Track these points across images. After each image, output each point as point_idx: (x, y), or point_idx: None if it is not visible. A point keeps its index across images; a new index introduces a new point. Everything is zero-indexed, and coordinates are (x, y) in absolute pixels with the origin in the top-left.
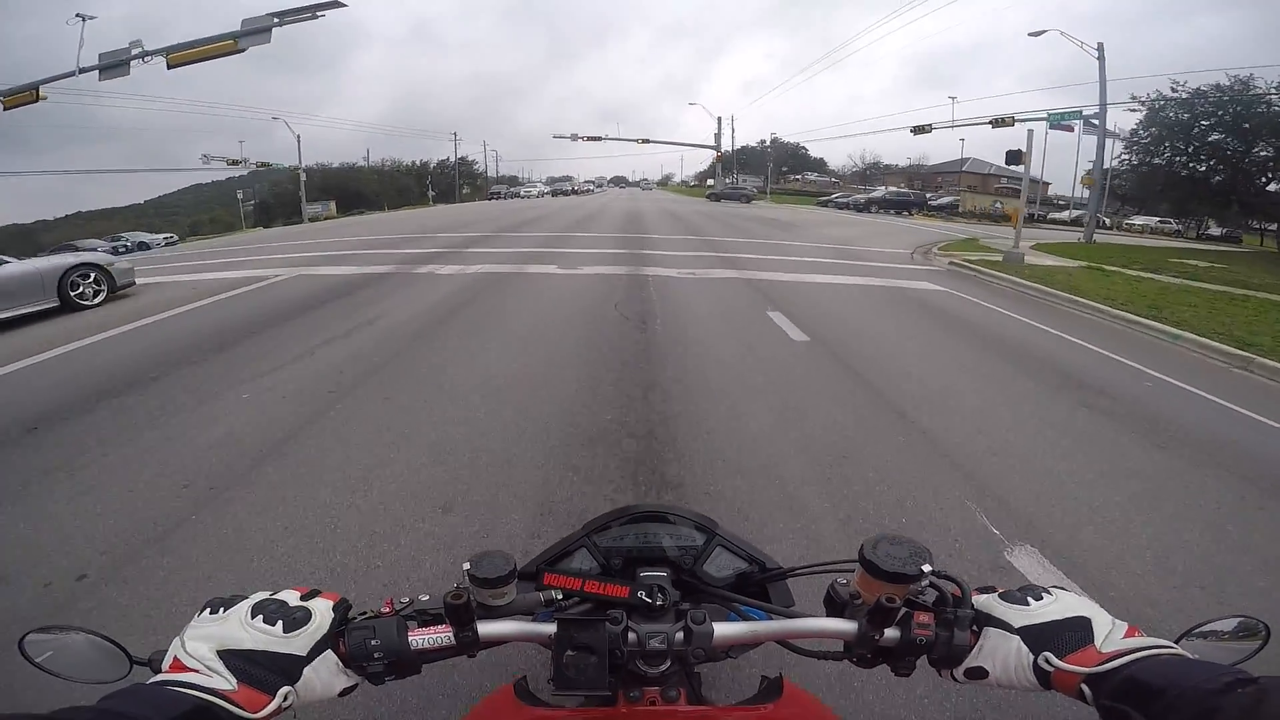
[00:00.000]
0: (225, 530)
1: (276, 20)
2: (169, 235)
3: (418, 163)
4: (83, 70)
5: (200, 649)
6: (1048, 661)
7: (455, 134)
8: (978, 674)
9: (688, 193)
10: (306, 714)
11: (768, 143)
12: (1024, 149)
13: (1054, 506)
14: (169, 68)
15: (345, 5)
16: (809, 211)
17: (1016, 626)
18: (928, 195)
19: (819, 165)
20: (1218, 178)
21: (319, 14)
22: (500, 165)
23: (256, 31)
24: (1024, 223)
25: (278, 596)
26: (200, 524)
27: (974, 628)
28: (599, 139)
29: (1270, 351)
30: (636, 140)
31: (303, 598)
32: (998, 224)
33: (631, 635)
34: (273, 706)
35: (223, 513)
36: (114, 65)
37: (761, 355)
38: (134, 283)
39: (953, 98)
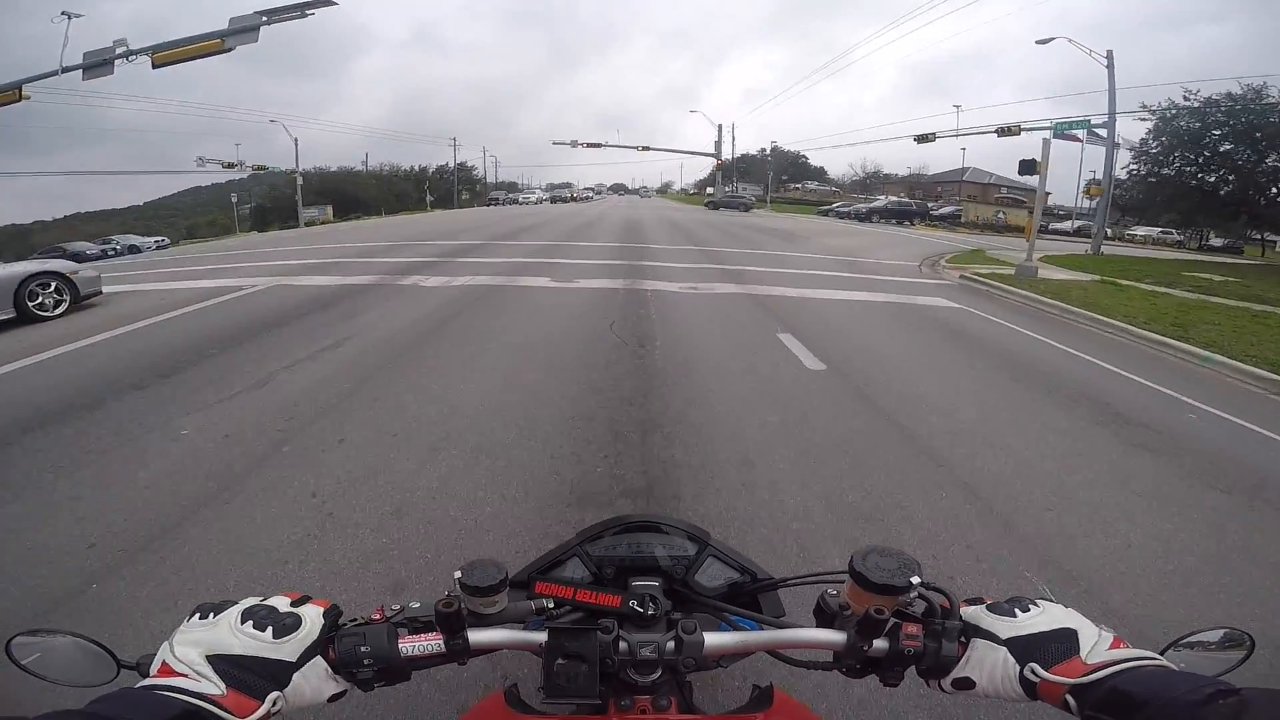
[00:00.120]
0: (121, 604)
1: (265, 19)
2: (160, 239)
3: (416, 168)
4: (66, 69)
5: (189, 654)
6: (1034, 672)
7: (454, 139)
8: (965, 684)
9: (687, 200)
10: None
11: (768, 151)
12: (1038, 158)
13: (1124, 572)
14: (154, 67)
15: (336, 4)
16: (810, 221)
17: (1003, 638)
18: (929, 205)
19: (819, 174)
20: (1227, 188)
21: (308, 13)
22: (500, 171)
23: (244, 30)
24: (1020, 233)
25: (268, 602)
26: (95, 598)
27: (962, 639)
28: (599, 145)
29: None
30: (637, 147)
31: (293, 604)
32: (1000, 234)
33: (623, 644)
34: (261, 712)
35: (125, 583)
36: (98, 64)
37: (774, 388)
38: (100, 292)
39: (957, 106)
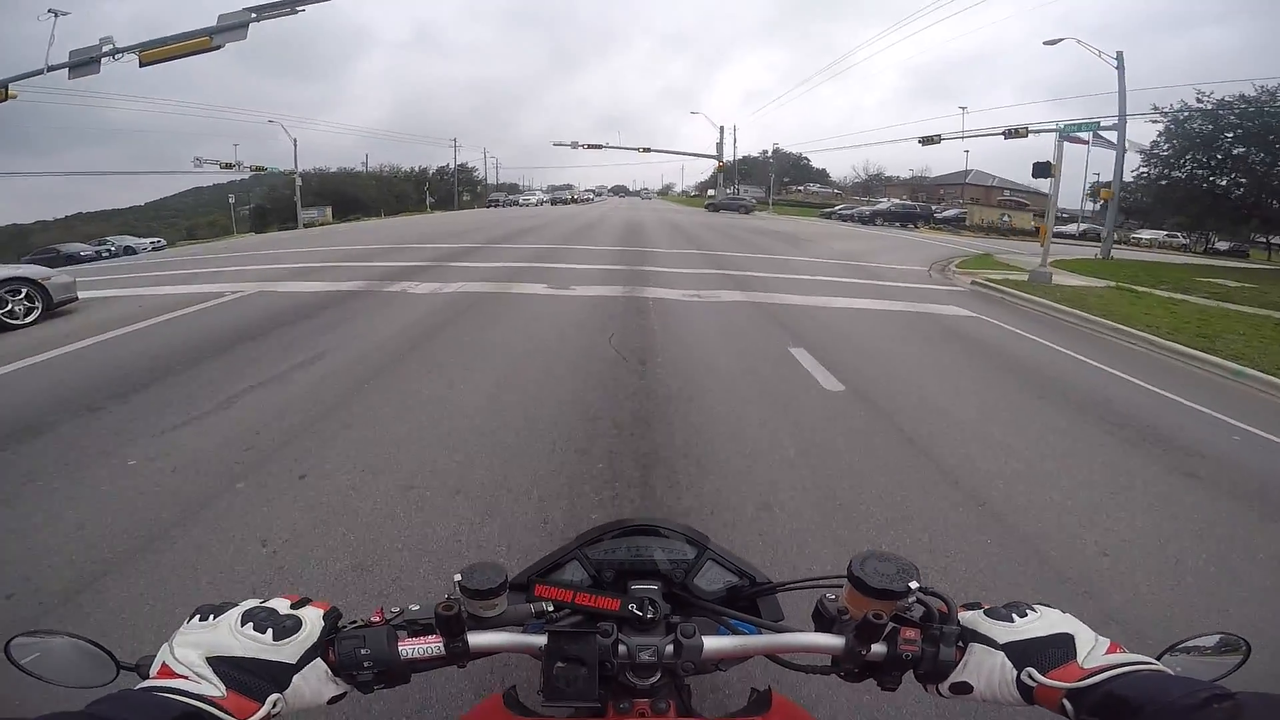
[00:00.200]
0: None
1: (254, 16)
2: (156, 240)
3: (417, 169)
4: (52, 68)
5: (189, 655)
6: (1030, 677)
7: (455, 140)
8: (962, 689)
9: (688, 203)
10: None
11: (769, 153)
12: (1051, 160)
13: (1198, 624)
14: (141, 65)
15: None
16: (812, 223)
17: (1001, 643)
18: (933, 208)
19: (821, 176)
20: (1239, 192)
21: (298, 9)
22: (500, 173)
23: (233, 28)
24: (1028, 236)
25: (268, 604)
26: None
27: (960, 643)
28: (599, 147)
29: None
30: (638, 149)
31: (293, 606)
32: (1006, 238)
33: (622, 647)
34: (261, 713)
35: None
36: (84, 63)
37: (790, 414)
38: (75, 298)
39: (963, 108)
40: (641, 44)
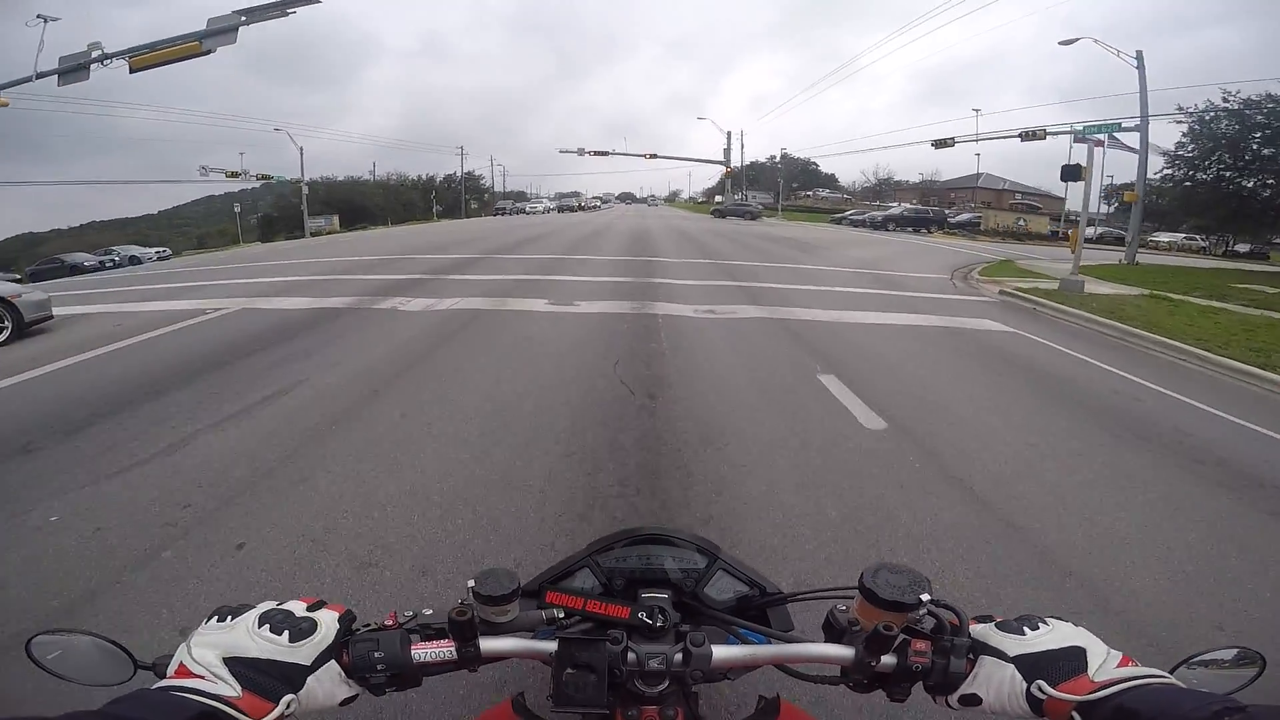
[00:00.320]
0: None
1: (243, 19)
2: (162, 249)
3: (424, 177)
4: (41, 75)
5: (207, 655)
6: (1040, 690)
7: (462, 148)
8: (971, 701)
9: (695, 209)
10: None
11: (777, 158)
12: (1083, 163)
13: None
14: (131, 71)
15: (319, 1)
16: (824, 229)
17: (1011, 655)
18: (946, 212)
19: (830, 181)
20: (1267, 193)
21: (289, 11)
22: (508, 180)
23: (222, 31)
24: (1044, 241)
25: (284, 606)
26: None
27: (970, 655)
28: (606, 154)
29: None
30: (644, 155)
31: (309, 608)
32: (1022, 242)
33: (631, 655)
34: (276, 714)
35: None
36: (72, 69)
37: (827, 460)
38: (50, 316)
39: (976, 110)
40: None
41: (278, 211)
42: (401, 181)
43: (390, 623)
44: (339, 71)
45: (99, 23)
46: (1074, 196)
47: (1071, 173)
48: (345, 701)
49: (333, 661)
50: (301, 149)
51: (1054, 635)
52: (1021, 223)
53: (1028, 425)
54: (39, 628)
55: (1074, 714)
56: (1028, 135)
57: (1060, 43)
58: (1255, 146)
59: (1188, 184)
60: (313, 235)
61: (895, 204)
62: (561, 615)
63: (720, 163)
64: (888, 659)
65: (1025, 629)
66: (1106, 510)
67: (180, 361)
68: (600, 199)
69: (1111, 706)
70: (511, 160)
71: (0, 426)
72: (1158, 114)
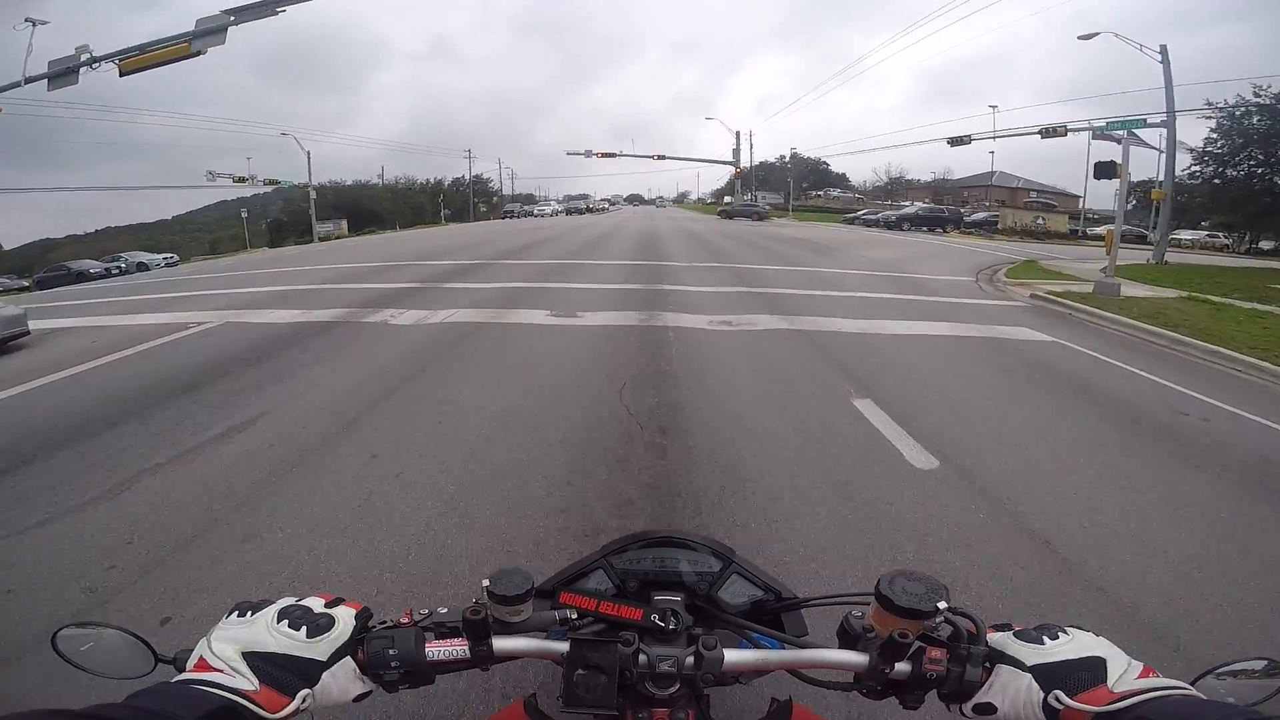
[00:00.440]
0: None
1: (232, 19)
2: (169, 255)
3: (432, 181)
4: (29, 79)
5: (226, 650)
6: (1058, 700)
7: (469, 151)
8: (986, 710)
9: (704, 210)
10: (322, 717)
11: (787, 158)
12: (1119, 160)
13: None
14: (120, 75)
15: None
16: (836, 230)
17: (1029, 664)
18: (961, 210)
19: (841, 180)
20: None
21: (278, 10)
22: (516, 183)
23: (211, 32)
24: (1064, 240)
25: (303, 603)
26: None
27: (986, 664)
28: (614, 155)
29: None
30: (652, 156)
31: (327, 605)
32: (1041, 241)
33: (642, 657)
34: (291, 708)
35: None
36: (61, 74)
37: (873, 513)
38: (26, 332)
39: (993, 107)
40: (654, 52)
41: (287, 216)
42: (410, 185)
43: (405, 620)
44: (347, 76)
45: (106, 28)
46: (1092, 195)
47: (1106, 170)
48: (359, 697)
49: (348, 658)
50: (309, 153)
51: (1073, 645)
52: (1040, 221)
53: (1096, 458)
54: None
55: None
56: (1048, 132)
57: (1080, 37)
58: None
59: (1217, 181)
60: (321, 240)
61: (909, 203)
62: (575, 616)
63: (729, 163)
64: (902, 666)
65: (1044, 638)
66: (1238, 579)
67: (147, 385)
68: (609, 201)
69: (1131, 718)
70: (520, 163)
71: None
72: (1184, 110)
